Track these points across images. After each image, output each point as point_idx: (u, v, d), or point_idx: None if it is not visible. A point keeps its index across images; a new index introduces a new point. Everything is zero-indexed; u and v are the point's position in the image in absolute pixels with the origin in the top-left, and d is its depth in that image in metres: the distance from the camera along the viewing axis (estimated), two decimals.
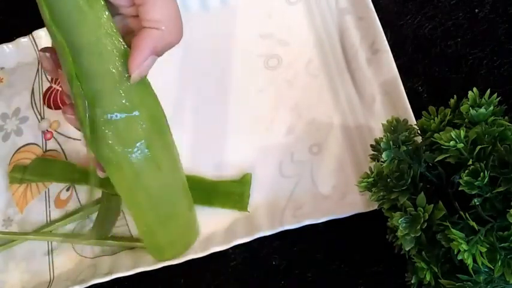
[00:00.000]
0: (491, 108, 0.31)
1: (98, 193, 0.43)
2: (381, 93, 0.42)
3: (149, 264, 0.39)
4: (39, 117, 0.49)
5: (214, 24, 0.49)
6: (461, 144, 0.29)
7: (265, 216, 0.40)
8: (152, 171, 0.34)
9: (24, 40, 0.50)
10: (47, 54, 0.32)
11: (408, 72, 0.43)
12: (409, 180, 0.30)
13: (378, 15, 0.43)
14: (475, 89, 0.31)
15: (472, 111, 0.30)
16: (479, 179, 0.27)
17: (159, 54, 0.30)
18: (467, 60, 0.43)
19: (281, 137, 0.44)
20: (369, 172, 0.33)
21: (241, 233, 0.39)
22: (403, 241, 0.30)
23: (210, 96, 0.46)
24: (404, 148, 0.31)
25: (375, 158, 0.34)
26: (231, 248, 0.39)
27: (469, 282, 0.28)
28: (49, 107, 0.49)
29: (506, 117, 0.31)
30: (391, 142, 0.32)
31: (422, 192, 0.30)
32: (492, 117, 0.30)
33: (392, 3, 0.46)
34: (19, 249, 0.44)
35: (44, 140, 0.48)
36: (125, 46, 0.30)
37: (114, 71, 0.30)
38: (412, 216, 0.30)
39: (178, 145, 0.36)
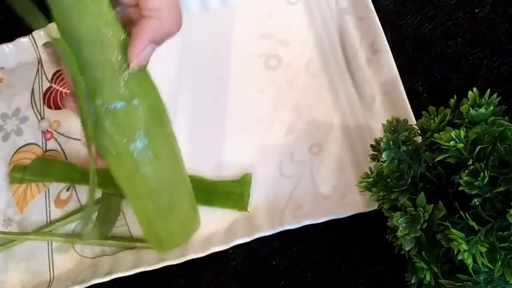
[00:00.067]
0: (491, 108, 0.31)
1: (98, 193, 0.43)
2: (381, 93, 0.42)
3: (149, 264, 0.39)
4: (39, 117, 0.49)
5: (214, 24, 0.49)
6: (461, 144, 0.29)
7: (265, 216, 0.40)
8: (151, 160, 0.34)
9: (24, 40, 0.50)
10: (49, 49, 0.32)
11: (408, 72, 0.43)
12: (409, 180, 0.30)
13: (378, 15, 0.43)
14: (475, 89, 0.31)
15: (472, 111, 0.30)
16: (479, 179, 0.27)
17: (158, 43, 0.30)
18: (467, 60, 0.43)
19: (281, 137, 0.44)
20: (369, 172, 0.33)
21: (241, 233, 0.39)
22: (403, 241, 0.30)
23: (210, 96, 0.46)
24: (404, 148, 0.31)
25: (375, 158, 0.34)
26: (231, 248, 0.39)
27: (469, 282, 0.28)
28: (49, 107, 0.49)
29: (506, 117, 0.31)
30: (391, 142, 0.32)
31: (422, 192, 0.30)
32: (492, 117, 0.30)
33: (392, 3, 0.46)
34: (19, 249, 0.44)
35: (44, 140, 0.48)
36: (126, 36, 0.30)
37: (114, 60, 0.30)
38: (412, 216, 0.30)
39: (178, 145, 0.36)
